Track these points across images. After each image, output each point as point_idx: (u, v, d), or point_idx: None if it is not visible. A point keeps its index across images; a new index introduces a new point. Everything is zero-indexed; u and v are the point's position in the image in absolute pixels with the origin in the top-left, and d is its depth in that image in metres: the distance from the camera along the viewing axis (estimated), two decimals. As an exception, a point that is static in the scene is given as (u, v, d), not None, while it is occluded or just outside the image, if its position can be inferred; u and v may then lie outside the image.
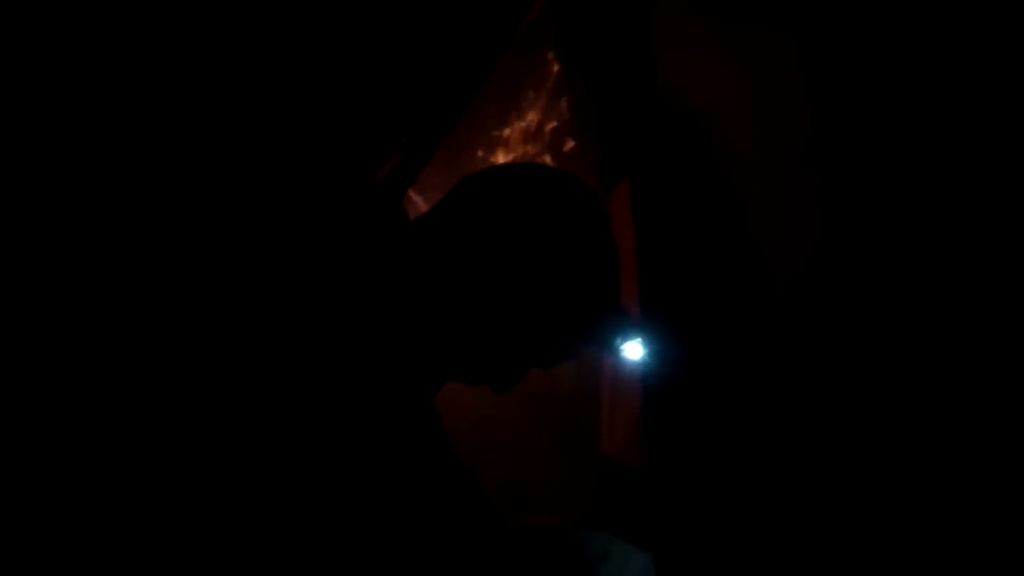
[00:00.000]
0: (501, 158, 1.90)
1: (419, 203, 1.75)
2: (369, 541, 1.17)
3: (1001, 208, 1.25)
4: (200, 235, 1.20)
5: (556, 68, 1.81)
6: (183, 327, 1.13)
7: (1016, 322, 1.23)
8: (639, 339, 1.26)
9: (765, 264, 1.38)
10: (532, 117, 1.86)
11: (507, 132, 1.88)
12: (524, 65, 1.80)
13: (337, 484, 1.13)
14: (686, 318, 1.39)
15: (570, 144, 1.81)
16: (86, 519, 1.08)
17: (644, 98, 1.40)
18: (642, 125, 1.39)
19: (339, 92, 1.44)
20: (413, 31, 1.49)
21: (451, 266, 1.15)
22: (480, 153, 1.88)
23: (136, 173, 1.25)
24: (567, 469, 1.75)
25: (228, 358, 1.12)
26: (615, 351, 1.27)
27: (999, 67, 1.27)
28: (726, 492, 1.37)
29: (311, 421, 1.12)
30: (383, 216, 1.25)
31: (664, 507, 1.37)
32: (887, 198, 1.34)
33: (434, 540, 1.22)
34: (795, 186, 1.39)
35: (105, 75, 1.29)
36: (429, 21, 1.49)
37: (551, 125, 1.84)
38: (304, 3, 1.40)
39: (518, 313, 1.13)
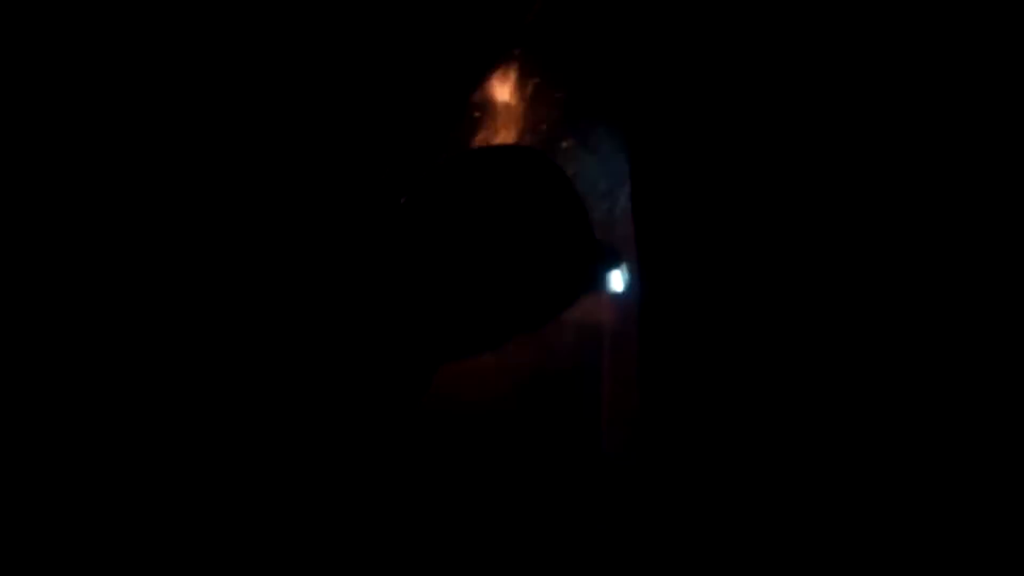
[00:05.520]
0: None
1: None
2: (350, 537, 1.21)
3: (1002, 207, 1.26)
4: (196, 234, 1.21)
5: (556, 69, 1.81)
6: (175, 323, 1.16)
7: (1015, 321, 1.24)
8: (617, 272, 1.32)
9: (765, 264, 1.39)
10: (532, 117, 1.86)
11: (505, 133, 1.88)
12: (524, 65, 1.81)
13: (322, 479, 1.18)
14: (687, 317, 1.39)
15: (570, 144, 1.81)
16: (84, 518, 1.09)
17: (644, 98, 1.40)
18: (642, 125, 1.39)
19: (339, 95, 1.44)
20: (413, 32, 1.49)
21: (431, 249, 1.20)
22: (479, 153, 1.89)
23: (137, 174, 1.26)
24: (568, 468, 1.75)
25: (220, 353, 1.15)
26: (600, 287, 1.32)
27: (1000, 66, 1.27)
28: (726, 492, 1.37)
29: (302, 416, 1.15)
30: (380, 219, 1.26)
31: (664, 507, 1.37)
32: (890, 197, 1.34)
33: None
34: (796, 185, 1.39)
35: (108, 76, 1.29)
36: (429, 22, 1.49)
37: (551, 126, 1.84)
38: (304, 6, 1.40)
39: (499, 277, 1.20)
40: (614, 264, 1.28)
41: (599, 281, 1.27)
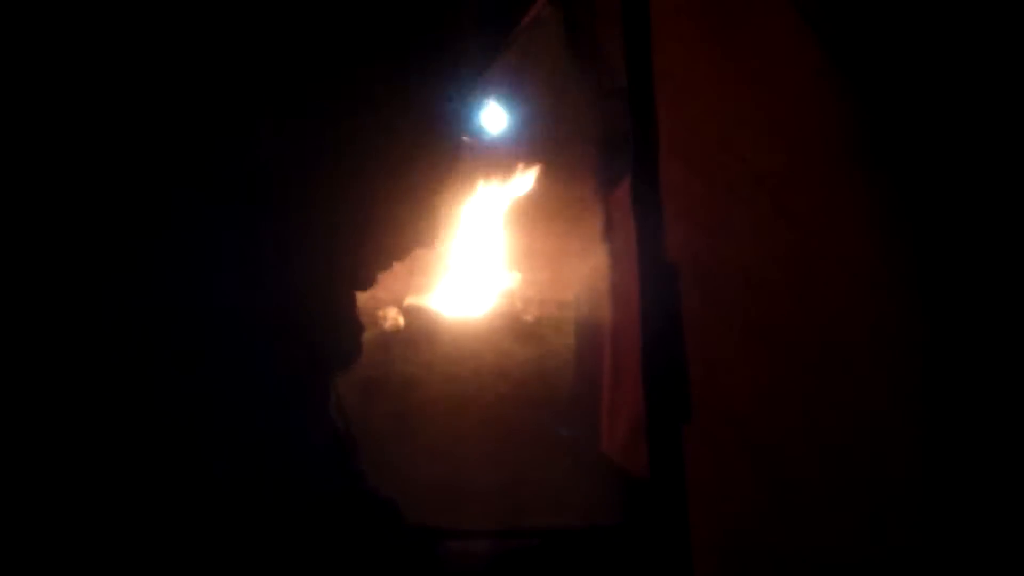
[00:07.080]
0: (500, 157, 1.90)
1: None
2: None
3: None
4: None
5: (556, 68, 1.81)
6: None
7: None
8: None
9: (765, 264, 1.38)
10: (531, 117, 1.86)
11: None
12: (524, 65, 1.81)
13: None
14: (686, 317, 1.38)
15: (570, 144, 1.81)
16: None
17: (644, 98, 1.40)
18: (642, 125, 1.39)
19: (339, 92, 1.44)
20: (413, 30, 1.48)
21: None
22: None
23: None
24: (567, 469, 1.75)
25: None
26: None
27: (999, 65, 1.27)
28: (726, 492, 1.37)
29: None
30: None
31: (664, 507, 1.37)
32: (890, 195, 1.34)
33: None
34: (795, 184, 1.39)
35: (95, 76, 1.29)
36: (430, 19, 1.49)
37: (550, 125, 1.84)
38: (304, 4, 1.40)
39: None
40: (465, 99, 1.34)
41: (465, 120, 1.34)
